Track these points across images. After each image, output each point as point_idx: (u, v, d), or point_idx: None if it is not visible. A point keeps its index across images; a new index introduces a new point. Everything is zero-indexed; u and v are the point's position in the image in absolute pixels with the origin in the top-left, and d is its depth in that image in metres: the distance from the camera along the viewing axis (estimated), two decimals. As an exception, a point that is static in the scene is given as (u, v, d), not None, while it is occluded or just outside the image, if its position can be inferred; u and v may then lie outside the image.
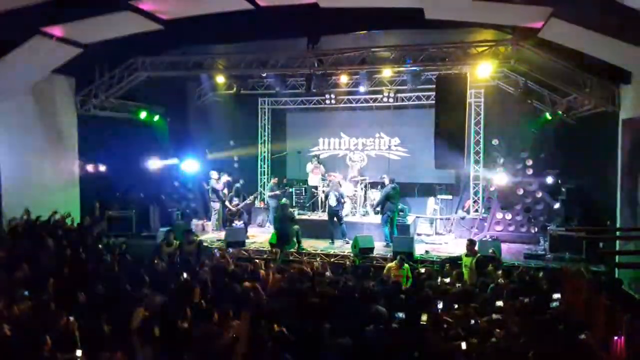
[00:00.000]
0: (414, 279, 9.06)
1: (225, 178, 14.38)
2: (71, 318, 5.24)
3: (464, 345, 4.97)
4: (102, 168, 13.86)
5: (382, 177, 13.13)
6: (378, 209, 12.95)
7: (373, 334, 5.46)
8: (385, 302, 6.61)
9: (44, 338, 4.75)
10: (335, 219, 12.63)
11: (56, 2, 8.22)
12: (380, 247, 11.95)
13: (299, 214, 14.73)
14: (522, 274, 8.67)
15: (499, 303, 6.59)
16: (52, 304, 5.78)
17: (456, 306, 6.59)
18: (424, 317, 6.08)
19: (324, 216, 14.11)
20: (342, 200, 12.78)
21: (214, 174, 14.22)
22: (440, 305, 6.40)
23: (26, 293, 6.22)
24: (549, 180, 12.85)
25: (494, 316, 5.93)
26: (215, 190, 14.08)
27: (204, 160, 15.62)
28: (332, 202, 12.52)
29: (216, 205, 14.21)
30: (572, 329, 5.36)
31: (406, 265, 9.53)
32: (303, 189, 15.53)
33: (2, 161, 10.87)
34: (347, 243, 12.32)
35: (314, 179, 14.86)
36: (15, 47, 9.83)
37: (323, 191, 14.67)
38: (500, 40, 10.67)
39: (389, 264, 9.71)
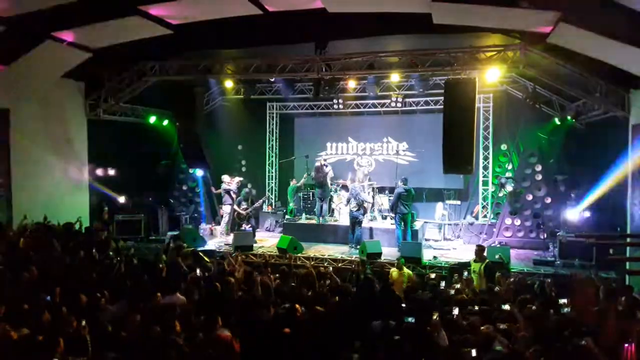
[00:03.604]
0: (424, 284, 9.02)
1: (237, 179, 14.40)
2: (82, 322, 5.25)
3: (474, 353, 4.92)
4: (112, 172, 13.94)
5: (398, 183, 13.01)
6: (391, 213, 12.92)
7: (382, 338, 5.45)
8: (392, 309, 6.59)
9: (56, 341, 4.75)
10: (356, 225, 12.55)
11: (66, 8, 8.30)
12: (390, 252, 11.89)
13: (307, 218, 14.78)
14: (522, 281, 8.64)
15: (506, 307, 6.55)
16: (64, 308, 5.79)
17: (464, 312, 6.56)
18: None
19: (331, 220, 14.13)
20: (364, 206, 12.69)
21: (226, 177, 14.24)
22: (456, 312, 6.35)
23: (48, 298, 6.24)
24: (559, 186, 12.77)
25: (501, 326, 5.87)
26: (227, 192, 14.07)
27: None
28: (354, 207, 12.47)
29: (227, 209, 14.17)
30: (579, 335, 5.31)
31: (406, 270, 9.51)
32: (311, 193, 15.53)
33: (12, 165, 10.96)
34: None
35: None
36: (26, 52, 9.92)
37: (336, 189, 14.62)
38: (509, 45, 10.63)
39: (392, 269, 9.73)
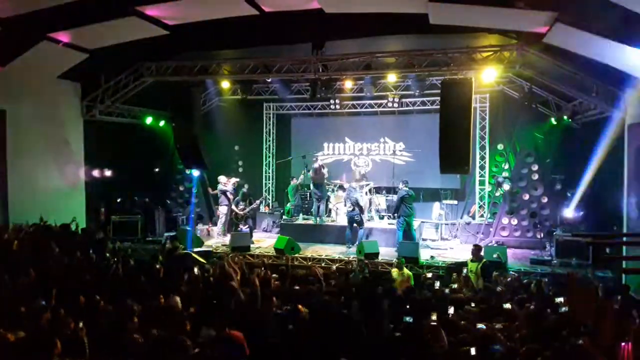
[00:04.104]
0: (420, 284, 9.04)
1: (234, 180, 14.38)
2: (80, 323, 5.23)
3: (473, 351, 4.92)
4: (108, 173, 13.91)
5: (399, 185, 12.95)
6: (394, 215, 12.98)
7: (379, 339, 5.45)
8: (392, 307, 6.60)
9: (54, 342, 4.73)
10: (354, 224, 12.56)
11: (63, 8, 8.28)
12: (388, 252, 11.91)
13: (304, 219, 14.78)
14: (516, 281, 8.66)
15: (507, 306, 6.57)
16: (61, 310, 5.77)
17: (461, 311, 6.57)
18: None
19: (328, 221, 14.12)
20: (360, 206, 12.64)
21: (222, 178, 14.21)
22: (451, 310, 6.35)
23: (44, 303, 6.19)
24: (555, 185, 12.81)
25: (497, 325, 5.89)
26: (224, 192, 14.05)
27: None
28: (349, 207, 12.51)
29: (224, 209, 14.13)
30: (576, 334, 5.32)
31: (406, 270, 9.52)
32: (307, 193, 15.53)
33: (8, 166, 10.92)
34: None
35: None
36: (22, 53, 9.90)
37: (333, 189, 14.65)
38: (505, 45, 10.67)
39: (393, 269, 9.74)
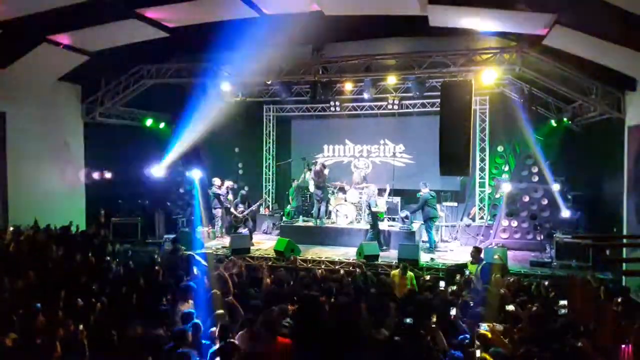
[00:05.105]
0: (420, 286, 9.01)
1: (228, 183, 14.37)
2: (80, 326, 5.22)
3: (478, 353, 4.92)
4: (108, 175, 13.90)
5: (422, 190, 12.95)
6: (409, 214, 13.20)
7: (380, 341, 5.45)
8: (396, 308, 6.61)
9: (53, 345, 4.73)
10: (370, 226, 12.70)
11: (63, 11, 8.29)
12: (389, 255, 11.91)
13: (304, 220, 14.76)
14: (515, 283, 8.63)
15: (510, 307, 6.56)
16: (60, 312, 5.77)
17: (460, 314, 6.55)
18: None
19: (328, 223, 14.11)
20: (371, 209, 12.70)
21: (216, 181, 14.21)
22: (453, 312, 6.34)
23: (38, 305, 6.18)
24: (555, 187, 12.78)
25: (498, 327, 5.88)
26: (217, 196, 14.03)
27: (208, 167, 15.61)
28: (367, 213, 12.68)
29: (218, 212, 14.13)
30: (576, 336, 5.32)
31: (410, 273, 9.48)
32: (308, 195, 15.53)
33: (8, 168, 10.93)
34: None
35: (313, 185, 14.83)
36: (22, 55, 9.91)
37: (334, 191, 14.66)
38: (505, 48, 10.68)
39: (393, 271, 9.69)
